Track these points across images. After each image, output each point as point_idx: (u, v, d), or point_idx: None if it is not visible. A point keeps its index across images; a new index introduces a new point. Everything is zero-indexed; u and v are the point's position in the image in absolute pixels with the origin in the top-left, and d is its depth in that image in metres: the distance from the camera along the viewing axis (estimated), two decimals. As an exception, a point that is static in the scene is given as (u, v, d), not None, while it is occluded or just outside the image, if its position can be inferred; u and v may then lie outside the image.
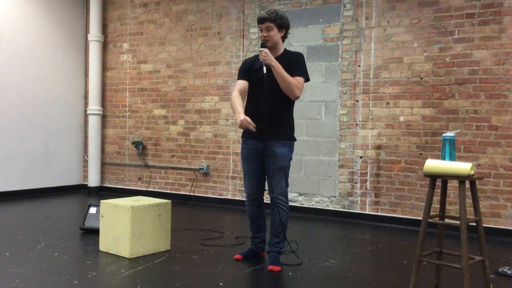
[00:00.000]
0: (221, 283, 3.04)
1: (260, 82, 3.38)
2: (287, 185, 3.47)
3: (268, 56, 3.26)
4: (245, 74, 3.50)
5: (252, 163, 3.49)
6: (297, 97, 3.38)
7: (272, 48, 3.39)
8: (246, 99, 3.54)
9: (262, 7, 5.88)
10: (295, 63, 3.38)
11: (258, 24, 3.41)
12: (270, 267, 3.36)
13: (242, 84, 3.47)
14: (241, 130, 3.68)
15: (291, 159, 3.50)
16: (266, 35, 3.35)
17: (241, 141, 3.60)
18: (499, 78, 4.65)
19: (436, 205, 4.72)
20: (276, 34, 3.38)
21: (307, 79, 3.43)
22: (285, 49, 3.50)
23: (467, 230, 2.64)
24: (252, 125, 3.23)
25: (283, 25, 3.40)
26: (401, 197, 5.09)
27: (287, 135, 3.46)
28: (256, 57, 3.50)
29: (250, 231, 3.68)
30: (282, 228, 3.45)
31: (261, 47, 3.32)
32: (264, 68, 3.30)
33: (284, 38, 3.48)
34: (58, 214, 5.26)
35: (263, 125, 3.34)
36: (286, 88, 3.30)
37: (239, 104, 3.35)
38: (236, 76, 3.64)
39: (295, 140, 3.55)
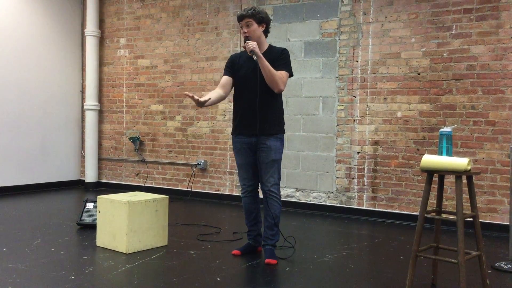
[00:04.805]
0: (218, 278, 3.04)
1: (246, 77, 3.45)
2: (279, 178, 3.51)
3: (257, 46, 3.30)
4: (230, 70, 3.57)
5: (246, 156, 3.53)
6: (281, 90, 3.41)
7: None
8: (233, 95, 3.61)
9: (259, 2, 5.86)
10: (279, 58, 3.44)
11: (238, 22, 3.45)
12: (267, 261, 3.38)
13: (224, 80, 3.56)
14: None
15: (282, 151, 3.55)
16: (246, 31, 3.40)
17: (231, 135, 3.65)
18: (496, 74, 4.65)
19: (433, 201, 4.73)
20: (256, 29, 3.42)
21: (291, 75, 3.48)
22: (269, 45, 3.54)
23: (464, 225, 2.65)
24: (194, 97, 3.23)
25: (262, 20, 3.44)
26: (398, 192, 5.10)
27: (278, 128, 3.50)
28: (242, 53, 3.56)
29: (246, 225, 3.70)
30: (275, 221, 3.48)
31: (245, 41, 3.37)
32: (254, 56, 3.32)
33: (266, 33, 3.53)
34: (55, 210, 5.26)
35: (255, 119, 3.40)
36: (270, 80, 3.34)
37: (212, 92, 3.47)
38: None
39: (284, 132, 3.59)
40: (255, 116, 3.41)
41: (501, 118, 4.63)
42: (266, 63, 3.31)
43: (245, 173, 3.57)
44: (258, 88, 3.38)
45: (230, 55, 3.76)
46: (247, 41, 3.34)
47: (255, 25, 3.41)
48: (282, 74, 3.38)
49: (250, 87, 3.42)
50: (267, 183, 3.45)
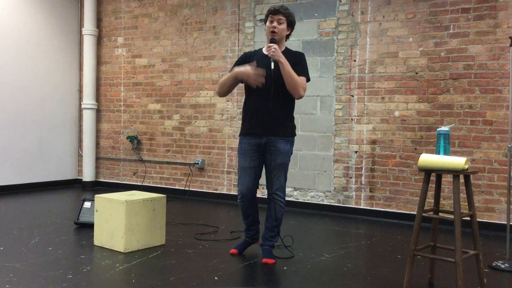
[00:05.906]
0: (216, 277, 3.04)
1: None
2: (285, 181, 3.46)
3: (277, 52, 3.21)
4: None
5: (251, 160, 3.41)
6: (301, 97, 3.33)
7: (277, 43, 3.34)
8: (245, 94, 3.53)
9: (257, 1, 5.86)
10: (298, 63, 3.35)
11: (270, 15, 3.33)
12: (264, 260, 3.37)
13: None
14: (237, 126, 3.65)
15: (292, 154, 3.50)
16: (276, 26, 3.30)
17: (239, 137, 3.54)
18: (494, 73, 4.66)
19: (430, 200, 4.74)
20: (285, 29, 3.36)
21: (308, 79, 3.40)
22: (286, 47, 3.46)
23: (461, 224, 2.66)
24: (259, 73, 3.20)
25: (292, 23, 3.40)
26: (396, 191, 5.11)
27: (289, 131, 3.43)
28: (256, 51, 3.49)
29: (244, 224, 3.67)
30: (277, 223, 3.46)
31: (271, 42, 3.28)
32: (272, 63, 3.25)
33: (287, 37, 3.46)
34: (53, 209, 5.25)
35: (268, 120, 3.31)
36: (292, 86, 3.25)
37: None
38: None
39: (295, 135, 3.53)
40: (266, 116, 3.31)
41: (499, 118, 4.64)
42: (288, 68, 3.21)
43: (245, 178, 3.43)
44: (272, 87, 3.27)
45: (244, 52, 3.64)
46: (270, 44, 3.25)
47: (285, 25, 3.34)
48: (302, 80, 3.30)
49: (263, 85, 3.29)
50: (273, 186, 3.38)
